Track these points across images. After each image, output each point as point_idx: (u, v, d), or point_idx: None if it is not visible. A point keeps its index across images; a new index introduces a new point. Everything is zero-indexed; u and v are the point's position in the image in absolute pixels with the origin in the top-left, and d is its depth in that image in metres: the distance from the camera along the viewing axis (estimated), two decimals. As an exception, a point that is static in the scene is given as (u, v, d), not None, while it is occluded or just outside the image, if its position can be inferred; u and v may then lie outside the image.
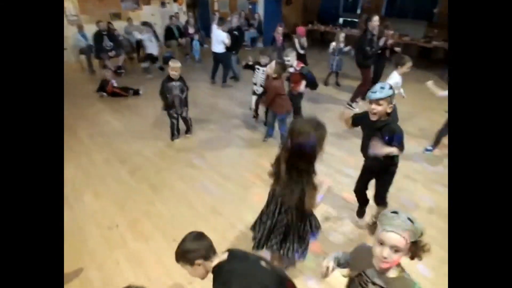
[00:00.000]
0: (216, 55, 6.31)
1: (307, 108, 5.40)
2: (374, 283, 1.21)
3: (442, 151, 4.01)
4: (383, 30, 5.25)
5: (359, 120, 2.37)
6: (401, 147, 2.11)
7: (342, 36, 6.31)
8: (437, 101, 4.61)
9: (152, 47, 7.05)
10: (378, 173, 2.47)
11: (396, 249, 1.08)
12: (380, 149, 2.07)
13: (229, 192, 3.29)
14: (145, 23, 7.41)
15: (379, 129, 2.15)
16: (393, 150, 2.08)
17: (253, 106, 4.65)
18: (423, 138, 4.26)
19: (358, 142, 2.43)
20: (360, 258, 1.32)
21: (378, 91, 2.06)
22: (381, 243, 1.11)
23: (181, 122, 4.34)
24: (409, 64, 3.72)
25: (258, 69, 4.34)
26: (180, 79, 3.92)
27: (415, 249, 1.11)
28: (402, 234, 1.07)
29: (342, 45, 6.23)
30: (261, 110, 4.70)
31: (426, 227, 3.31)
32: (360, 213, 2.83)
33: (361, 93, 5.50)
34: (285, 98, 3.85)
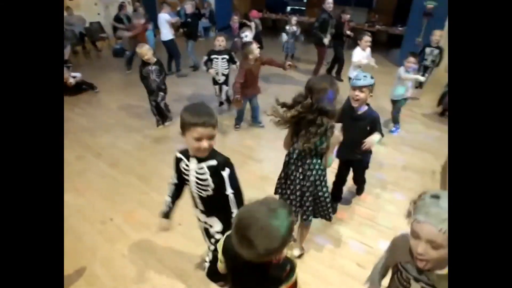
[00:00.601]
0: (164, 44, 6.16)
1: (274, 89, 5.61)
2: (417, 279, 1.01)
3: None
4: (340, 15, 5.70)
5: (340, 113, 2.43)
6: (381, 133, 2.30)
7: (294, 19, 6.69)
8: (388, 77, 5.13)
9: None
10: (356, 161, 2.55)
11: (434, 245, 0.86)
12: (371, 143, 2.25)
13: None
14: None
15: (362, 118, 2.29)
16: (378, 137, 2.27)
17: (224, 96, 4.53)
18: (380, 110, 4.71)
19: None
20: (396, 248, 1.14)
21: (362, 78, 2.21)
22: (415, 236, 0.91)
23: None
24: (366, 38, 4.19)
25: (217, 58, 4.21)
26: (157, 62, 3.80)
27: None
28: (440, 226, 0.83)
29: (295, 28, 6.60)
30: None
31: (405, 181, 3.69)
32: (333, 210, 2.81)
33: (316, 72, 5.98)
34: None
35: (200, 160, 1.45)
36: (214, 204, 1.57)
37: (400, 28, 8.34)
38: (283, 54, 7.13)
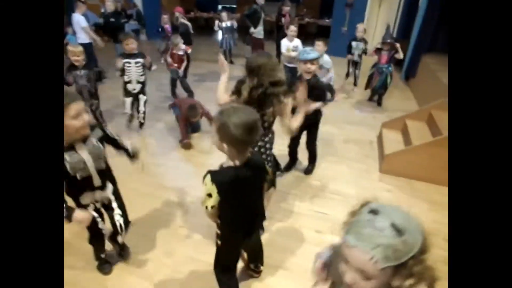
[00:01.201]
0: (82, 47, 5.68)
1: (212, 86, 5.59)
2: None
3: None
4: (280, 7, 6.01)
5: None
6: (332, 94, 2.60)
7: (224, 15, 6.71)
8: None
9: None
10: (308, 126, 2.70)
11: (364, 275, 0.69)
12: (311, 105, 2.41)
13: (170, 167, 3.19)
14: None
15: (315, 89, 2.48)
16: (320, 104, 2.51)
17: (129, 110, 3.72)
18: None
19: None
20: (333, 265, 0.93)
21: (311, 52, 2.42)
22: (344, 260, 0.73)
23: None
24: (291, 27, 4.48)
25: (129, 63, 3.45)
26: (86, 66, 3.41)
27: (406, 276, 0.69)
28: (372, 252, 0.66)
29: (229, 23, 6.64)
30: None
31: (347, 152, 4.10)
32: (288, 167, 3.07)
33: None
34: None
35: (85, 140, 1.51)
36: (107, 171, 1.69)
37: (327, 20, 8.96)
38: (219, 51, 7.13)
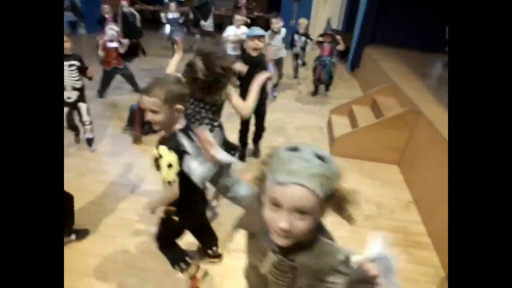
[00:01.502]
0: None
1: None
2: (274, 251, 0.77)
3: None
4: (237, 0, 6.07)
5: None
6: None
7: (172, 5, 6.42)
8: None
9: None
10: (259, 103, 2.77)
11: (301, 212, 0.64)
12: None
13: (123, 164, 3.02)
14: None
15: (261, 62, 2.54)
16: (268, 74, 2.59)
17: (87, 117, 3.03)
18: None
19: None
20: (249, 213, 0.86)
21: (257, 29, 2.45)
22: (275, 204, 0.66)
23: None
24: (236, 17, 4.56)
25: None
26: None
27: (334, 205, 0.68)
28: (309, 183, 0.62)
29: (175, 14, 6.37)
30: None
31: (299, 139, 4.26)
32: (243, 156, 3.09)
33: None
34: None
35: None
36: None
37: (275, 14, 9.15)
38: (168, 44, 6.85)
